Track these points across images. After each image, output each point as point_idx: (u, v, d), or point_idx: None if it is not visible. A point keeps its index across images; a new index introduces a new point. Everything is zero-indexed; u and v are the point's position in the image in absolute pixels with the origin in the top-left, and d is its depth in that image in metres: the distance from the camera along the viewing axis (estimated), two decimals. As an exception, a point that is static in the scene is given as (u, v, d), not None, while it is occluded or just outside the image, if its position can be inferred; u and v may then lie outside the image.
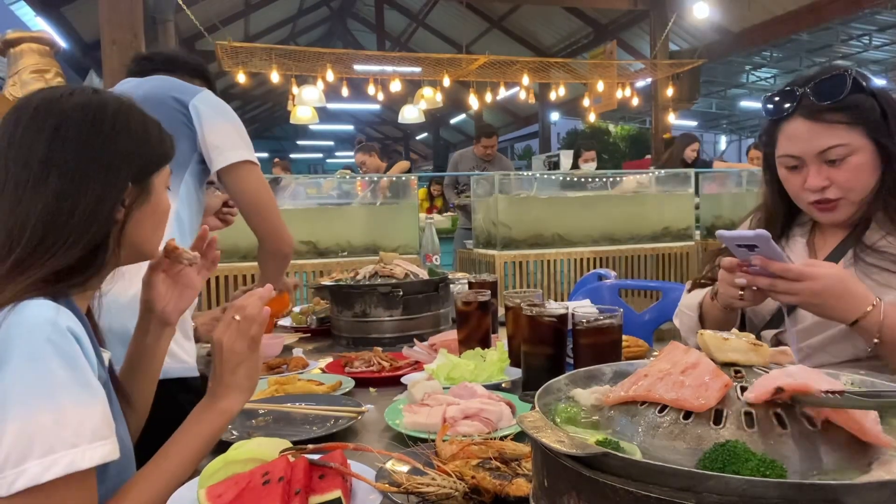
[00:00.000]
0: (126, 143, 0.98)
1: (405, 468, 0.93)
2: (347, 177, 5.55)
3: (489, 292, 1.67)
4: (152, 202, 1.02)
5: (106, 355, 1.04)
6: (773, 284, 1.18)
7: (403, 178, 5.00)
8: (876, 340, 1.17)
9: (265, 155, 25.77)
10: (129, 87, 1.73)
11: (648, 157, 9.59)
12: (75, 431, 0.81)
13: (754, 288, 1.22)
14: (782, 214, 1.45)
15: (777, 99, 1.34)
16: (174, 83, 1.76)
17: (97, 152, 0.95)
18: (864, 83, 1.28)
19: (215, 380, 1.02)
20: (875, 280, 1.27)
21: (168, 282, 1.16)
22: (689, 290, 1.56)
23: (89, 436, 0.83)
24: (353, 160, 7.65)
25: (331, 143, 26.77)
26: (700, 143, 6.80)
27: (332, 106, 10.64)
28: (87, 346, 0.87)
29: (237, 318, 1.02)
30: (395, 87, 8.54)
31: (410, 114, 9.34)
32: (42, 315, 0.84)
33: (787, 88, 1.33)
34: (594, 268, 4.98)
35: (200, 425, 1.00)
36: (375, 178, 5.27)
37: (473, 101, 9.40)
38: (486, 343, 1.64)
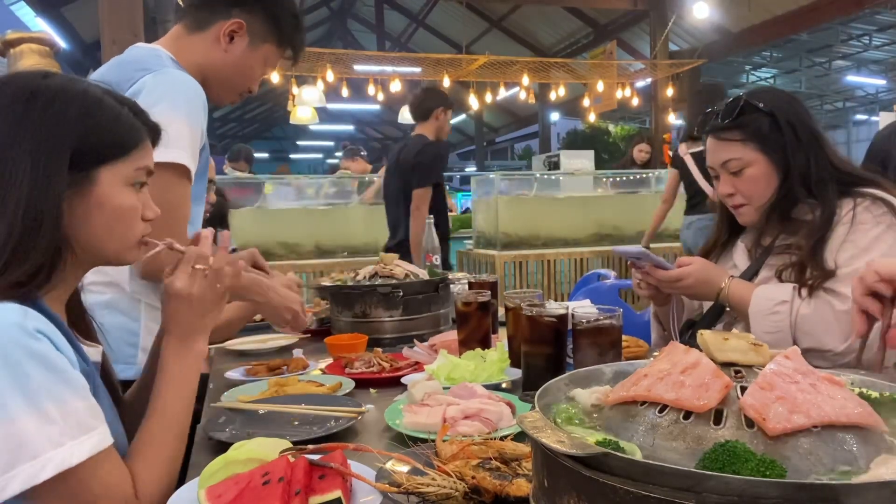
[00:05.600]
0: (57, 127, 0.89)
1: (405, 468, 0.92)
2: (347, 177, 5.54)
3: (489, 292, 1.67)
4: (95, 195, 0.93)
5: (95, 350, 1.03)
6: (659, 285, 1.53)
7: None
8: (728, 308, 1.52)
9: (266, 155, 25.81)
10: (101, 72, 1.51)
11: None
12: (60, 430, 0.81)
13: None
14: (728, 220, 1.65)
15: (701, 119, 1.58)
16: (143, 58, 1.46)
17: (23, 137, 0.88)
18: (759, 104, 1.45)
19: (181, 326, 1.04)
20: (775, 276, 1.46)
21: None
22: None
23: (76, 431, 0.83)
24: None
25: (331, 143, 26.75)
26: (658, 143, 6.68)
27: (332, 106, 10.65)
28: (61, 343, 0.86)
29: (204, 269, 1.04)
30: (395, 87, 8.54)
31: (410, 114, 9.33)
32: (9, 319, 0.82)
33: (707, 111, 1.56)
34: (594, 268, 4.98)
35: (184, 370, 1.03)
36: (376, 179, 5.26)
37: (473, 101, 9.41)
38: (486, 343, 1.64)
